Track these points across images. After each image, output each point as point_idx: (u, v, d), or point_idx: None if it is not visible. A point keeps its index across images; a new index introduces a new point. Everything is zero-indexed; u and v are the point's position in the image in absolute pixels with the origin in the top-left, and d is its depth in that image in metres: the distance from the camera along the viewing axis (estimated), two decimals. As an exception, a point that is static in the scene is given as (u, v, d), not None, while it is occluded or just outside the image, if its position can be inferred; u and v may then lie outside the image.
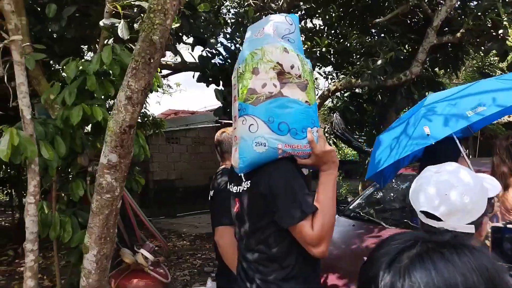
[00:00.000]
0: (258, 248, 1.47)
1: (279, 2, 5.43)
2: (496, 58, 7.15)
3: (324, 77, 5.96)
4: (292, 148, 1.47)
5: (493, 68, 6.45)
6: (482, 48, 4.66)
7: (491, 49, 4.25)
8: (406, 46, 5.44)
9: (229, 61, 4.41)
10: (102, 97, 2.25)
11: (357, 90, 6.43)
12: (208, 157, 12.15)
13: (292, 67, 1.50)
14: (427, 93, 6.09)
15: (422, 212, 1.15)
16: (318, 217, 1.38)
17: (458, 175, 1.12)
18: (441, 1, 4.50)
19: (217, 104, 4.06)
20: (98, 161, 2.54)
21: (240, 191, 1.56)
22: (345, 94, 6.45)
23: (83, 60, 2.24)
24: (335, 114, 5.91)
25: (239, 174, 1.56)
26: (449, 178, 1.11)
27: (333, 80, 5.83)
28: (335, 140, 6.00)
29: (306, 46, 5.30)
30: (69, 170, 2.54)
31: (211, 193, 2.32)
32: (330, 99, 6.40)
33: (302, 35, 5.87)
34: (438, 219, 1.10)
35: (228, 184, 1.71)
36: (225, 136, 2.41)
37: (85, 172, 2.55)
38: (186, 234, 8.19)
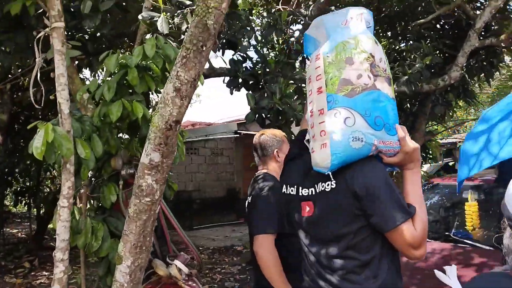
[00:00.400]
0: (347, 254, 1.38)
1: (308, 8, 5.28)
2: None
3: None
4: (385, 145, 1.40)
5: None
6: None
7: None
8: (440, 51, 5.22)
9: (260, 65, 4.25)
10: (141, 93, 2.07)
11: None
12: (226, 168, 11.97)
13: (380, 60, 1.45)
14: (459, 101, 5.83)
15: None
16: (418, 217, 1.34)
17: None
18: (484, 2, 4.29)
19: (235, 116, 3.88)
20: (131, 164, 2.37)
21: (315, 192, 1.46)
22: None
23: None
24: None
25: (313, 174, 1.46)
26: None
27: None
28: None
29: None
30: (101, 173, 2.36)
31: (249, 199, 2.15)
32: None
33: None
34: None
35: (286, 188, 1.60)
36: (265, 138, 2.24)
37: (117, 176, 2.37)
38: (204, 247, 7.98)
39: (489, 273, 0.98)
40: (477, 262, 2.88)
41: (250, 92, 4.02)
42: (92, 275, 5.30)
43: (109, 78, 2.07)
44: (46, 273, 6.50)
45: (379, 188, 1.34)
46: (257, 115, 3.94)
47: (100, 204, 2.37)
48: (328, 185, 1.42)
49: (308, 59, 1.68)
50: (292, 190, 1.57)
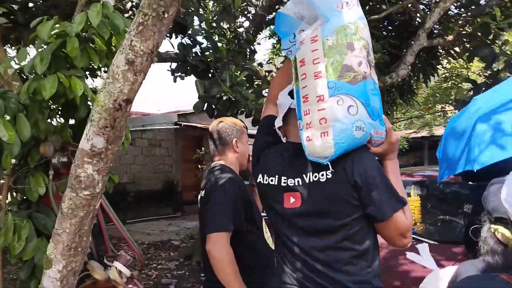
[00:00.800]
0: (343, 245, 1.35)
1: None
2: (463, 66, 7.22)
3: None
4: (378, 135, 1.40)
5: (460, 78, 6.47)
6: (466, 54, 4.61)
7: (482, 54, 4.17)
8: (386, 50, 5.34)
9: (210, 52, 4.01)
10: (82, 68, 1.75)
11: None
12: (164, 160, 11.53)
13: (371, 49, 1.45)
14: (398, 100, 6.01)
15: None
16: (407, 205, 1.36)
17: None
18: (435, 2, 4.40)
19: (176, 106, 3.63)
20: (64, 151, 2.04)
21: (303, 183, 1.40)
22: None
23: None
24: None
25: (299, 164, 1.42)
26: None
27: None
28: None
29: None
30: (26, 161, 2.01)
31: (202, 193, 1.93)
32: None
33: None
34: None
35: (263, 178, 1.51)
36: (224, 126, 2.05)
37: (46, 164, 2.02)
38: (138, 243, 7.55)
39: (479, 275, 0.97)
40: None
41: (199, 79, 3.77)
42: (10, 273, 4.75)
43: (42, 48, 1.73)
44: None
45: (376, 177, 1.34)
46: (206, 104, 3.71)
47: (24, 198, 2.01)
48: (322, 175, 1.37)
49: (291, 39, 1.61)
50: (272, 180, 1.48)
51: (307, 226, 1.40)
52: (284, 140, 1.58)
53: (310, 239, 1.39)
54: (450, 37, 4.30)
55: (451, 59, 5.75)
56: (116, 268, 1.90)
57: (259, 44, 5.79)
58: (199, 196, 2.00)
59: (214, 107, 3.87)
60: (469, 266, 1.24)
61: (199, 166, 10.10)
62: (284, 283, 1.43)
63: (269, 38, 5.78)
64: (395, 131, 1.48)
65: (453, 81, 7.67)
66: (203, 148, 9.71)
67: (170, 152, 11.71)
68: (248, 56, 4.56)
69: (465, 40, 4.81)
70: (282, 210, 1.45)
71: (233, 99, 3.73)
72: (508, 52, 4.16)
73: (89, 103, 1.89)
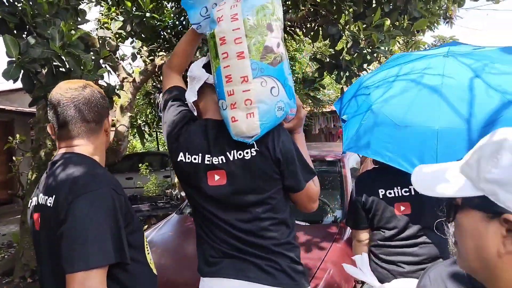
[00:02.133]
0: (268, 215, 1.47)
1: None
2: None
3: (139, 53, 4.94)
4: (291, 112, 1.53)
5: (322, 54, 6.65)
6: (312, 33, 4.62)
7: (331, 32, 4.19)
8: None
9: (23, 3, 2.95)
10: None
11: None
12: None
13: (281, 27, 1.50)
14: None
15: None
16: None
17: None
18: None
19: None
20: None
21: (226, 160, 1.46)
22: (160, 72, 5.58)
23: None
24: (161, 94, 4.98)
25: (221, 142, 1.47)
26: None
27: (160, 55, 4.88)
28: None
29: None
30: None
31: (46, 200, 1.23)
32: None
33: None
34: None
35: (184, 156, 1.50)
36: (94, 94, 1.37)
37: None
38: None
39: (443, 263, 0.87)
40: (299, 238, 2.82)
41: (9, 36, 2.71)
42: None
43: None
44: None
45: (292, 152, 1.44)
46: (22, 72, 2.69)
47: None
48: (247, 153, 1.44)
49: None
50: (194, 159, 1.49)
51: (233, 201, 1.47)
52: (195, 114, 1.59)
53: (236, 213, 1.47)
54: (300, 13, 4.20)
55: (295, 37, 5.78)
56: None
57: (92, 1, 4.75)
58: (33, 203, 1.29)
59: (34, 73, 2.86)
60: (440, 271, 0.92)
61: (14, 158, 8.24)
62: (211, 256, 1.49)
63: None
64: None
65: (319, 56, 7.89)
66: (17, 136, 7.87)
67: None
68: (78, 15, 3.60)
69: (311, 18, 4.83)
70: (207, 188, 1.48)
71: (61, 66, 2.83)
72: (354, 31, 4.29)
73: None
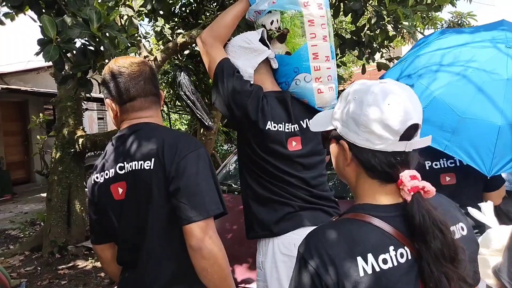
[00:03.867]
0: (324, 172, 1.83)
1: None
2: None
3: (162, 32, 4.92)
4: None
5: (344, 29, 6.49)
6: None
7: (355, 8, 4.14)
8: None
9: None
10: None
11: (197, 48, 5.61)
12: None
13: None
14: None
15: (408, 128, 0.87)
16: None
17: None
18: None
19: None
20: None
21: (300, 128, 1.72)
22: (185, 52, 5.54)
23: None
24: (182, 72, 4.94)
25: (296, 111, 1.73)
26: (400, 84, 0.94)
27: (179, 33, 4.85)
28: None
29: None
30: None
31: (147, 164, 1.27)
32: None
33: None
34: (411, 137, 0.90)
35: (270, 124, 1.65)
36: (153, 68, 1.45)
37: None
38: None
39: (335, 221, 0.95)
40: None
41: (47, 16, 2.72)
42: None
43: None
44: None
45: None
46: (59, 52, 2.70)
47: None
48: (305, 123, 1.72)
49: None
50: (280, 127, 1.67)
51: (306, 162, 1.71)
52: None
53: (308, 172, 1.70)
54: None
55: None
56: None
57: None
58: (108, 175, 1.30)
59: (64, 56, 2.87)
60: None
61: (37, 137, 8.35)
62: (287, 213, 1.65)
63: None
64: None
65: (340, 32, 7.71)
66: (33, 117, 7.93)
67: None
68: None
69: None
70: (287, 152, 1.67)
71: (95, 46, 2.84)
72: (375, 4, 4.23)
73: None
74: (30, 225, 6.58)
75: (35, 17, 3.09)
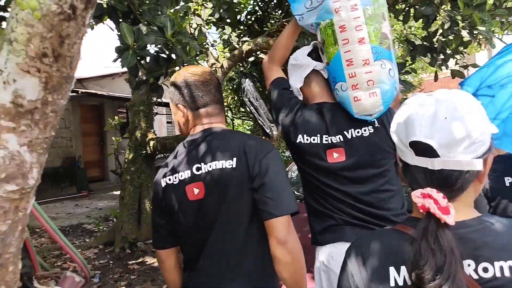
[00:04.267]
0: (385, 188, 1.58)
1: None
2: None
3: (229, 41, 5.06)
4: None
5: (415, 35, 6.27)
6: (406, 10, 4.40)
7: (426, 13, 3.97)
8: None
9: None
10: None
11: (262, 55, 5.70)
12: (62, 133, 10.08)
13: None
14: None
15: (412, 145, 0.85)
16: None
17: (457, 97, 0.86)
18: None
19: None
20: None
21: (345, 139, 1.60)
22: (250, 59, 5.65)
23: None
24: (247, 79, 5.06)
25: (338, 122, 1.64)
26: (447, 99, 0.85)
27: (245, 41, 4.97)
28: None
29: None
30: None
31: (229, 163, 1.31)
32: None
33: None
34: (433, 155, 0.82)
35: (303, 137, 1.65)
36: (218, 79, 1.51)
37: None
38: (42, 229, 6.44)
39: (378, 230, 1.01)
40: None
41: (126, 24, 2.92)
42: None
43: None
44: None
45: None
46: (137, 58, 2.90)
47: None
48: (365, 130, 1.59)
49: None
50: (313, 139, 1.63)
51: (352, 176, 1.59)
52: (301, 98, 1.77)
53: (356, 186, 1.58)
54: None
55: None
56: (57, 297, 1.21)
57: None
58: (184, 176, 1.33)
59: (138, 63, 3.05)
60: None
61: (113, 139, 8.96)
62: (331, 225, 1.61)
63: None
64: None
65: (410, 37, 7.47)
66: (109, 120, 8.53)
67: (67, 124, 10.26)
68: (177, 3, 3.77)
69: None
70: (326, 165, 1.61)
71: (167, 53, 2.99)
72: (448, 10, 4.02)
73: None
74: (104, 221, 7.05)
75: (113, 26, 3.31)
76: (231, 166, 1.27)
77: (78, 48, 0.75)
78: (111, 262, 4.92)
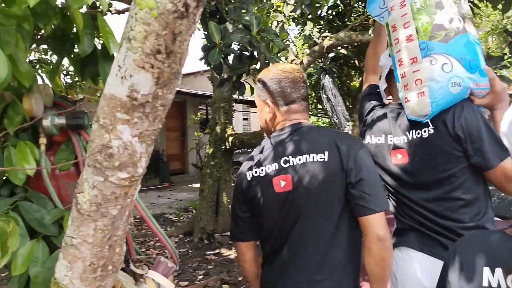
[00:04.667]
0: (453, 196, 1.43)
1: None
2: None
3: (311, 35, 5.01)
4: (479, 87, 1.44)
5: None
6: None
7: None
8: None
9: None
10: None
11: (342, 50, 5.58)
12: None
13: (464, 1, 1.52)
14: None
15: None
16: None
17: None
18: None
19: None
20: (58, 109, 1.36)
21: (407, 140, 1.52)
22: (329, 55, 5.56)
23: None
24: (326, 75, 4.99)
25: (401, 123, 1.55)
26: None
27: (325, 36, 4.90)
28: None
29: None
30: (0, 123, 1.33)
31: (320, 156, 1.29)
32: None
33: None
34: None
35: (371, 138, 1.64)
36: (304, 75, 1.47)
37: (33, 130, 1.35)
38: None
39: (482, 231, 0.99)
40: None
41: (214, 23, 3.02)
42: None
43: None
44: None
45: (479, 129, 1.38)
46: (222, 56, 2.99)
47: (4, 179, 1.35)
48: (425, 131, 1.47)
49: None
50: (379, 140, 1.60)
51: (415, 180, 1.50)
52: (385, 100, 1.73)
53: (419, 192, 1.49)
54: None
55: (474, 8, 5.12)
56: (153, 280, 1.29)
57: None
58: (270, 169, 1.34)
59: (222, 60, 3.14)
60: None
61: (196, 134, 9.40)
62: (398, 228, 1.58)
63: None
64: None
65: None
66: (192, 116, 8.94)
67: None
68: (261, 0, 3.81)
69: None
70: (390, 166, 1.56)
71: (251, 50, 3.02)
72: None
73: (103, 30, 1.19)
74: (184, 211, 7.41)
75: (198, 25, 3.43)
76: (322, 159, 1.27)
77: (187, 45, 0.78)
78: (190, 251, 5.15)
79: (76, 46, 1.25)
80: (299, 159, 1.29)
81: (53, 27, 1.19)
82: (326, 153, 1.27)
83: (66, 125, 1.33)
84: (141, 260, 1.38)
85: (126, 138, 0.81)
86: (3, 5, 0.92)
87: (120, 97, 0.78)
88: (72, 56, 1.28)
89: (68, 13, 1.14)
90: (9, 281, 1.35)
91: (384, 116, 1.63)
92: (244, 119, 16.44)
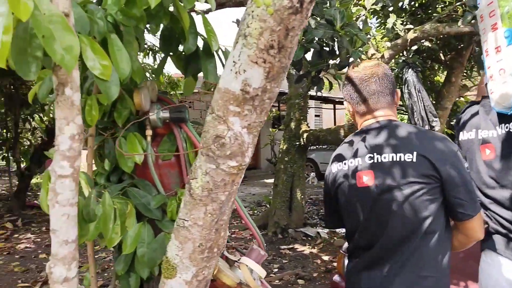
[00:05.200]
0: None
1: None
2: None
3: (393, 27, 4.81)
4: None
5: None
6: None
7: None
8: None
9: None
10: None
11: (426, 43, 5.29)
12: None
13: None
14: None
15: None
16: None
17: None
18: None
19: None
20: (162, 103, 1.47)
21: (496, 135, 1.46)
22: (412, 48, 5.30)
23: None
24: (409, 70, 4.77)
25: (491, 117, 1.50)
26: None
27: (408, 28, 4.68)
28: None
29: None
30: (110, 116, 1.47)
31: (408, 156, 1.26)
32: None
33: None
34: None
35: (463, 133, 1.60)
36: (389, 69, 1.41)
37: (139, 123, 1.48)
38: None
39: None
40: None
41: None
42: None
43: None
44: (31, 236, 5.69)
45: None
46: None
47: (114, 167, 1.50)
48: None
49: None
50: (470, 135, 1.56)
51: (500, 177, 1.43)
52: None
53: (504, 191, 1.43)
54: None
55: None
56: (247, 266, 1.35)
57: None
58: (353, 164, 1.34)
59: (305, 58, 3.14)
60: None
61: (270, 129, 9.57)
62: (487, 232, 1.48)
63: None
64: None
65: None
66: (273, 110, 9.05)
67: None
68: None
69: None
70: (479, 163, 1.50)
71: (332, 46, 3.00)
72: None
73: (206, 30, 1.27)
74: (257, 205, 7.56)
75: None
76: (410, 159, 1.23)
77: (297, 40, 0.81)
78: (265, 244, 5.23)
79: (180, 45, 1.34)
80: (385, 157, 1.27)
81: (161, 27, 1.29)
82: (415, 154, 1.23)
83: (169, 119, 1.44)
84: (234, 247, 1.45)
85: (236, 129, 0.87)
86: (124, 5, 1.02)
87: (233, 90, 0.84)
88: (175, 51, 1.38)
89: (175, 14, 1.23)
90: (115, 260, 1.50)
91: (475, 111, 1.59)
92: (316, 115, 16.28)
